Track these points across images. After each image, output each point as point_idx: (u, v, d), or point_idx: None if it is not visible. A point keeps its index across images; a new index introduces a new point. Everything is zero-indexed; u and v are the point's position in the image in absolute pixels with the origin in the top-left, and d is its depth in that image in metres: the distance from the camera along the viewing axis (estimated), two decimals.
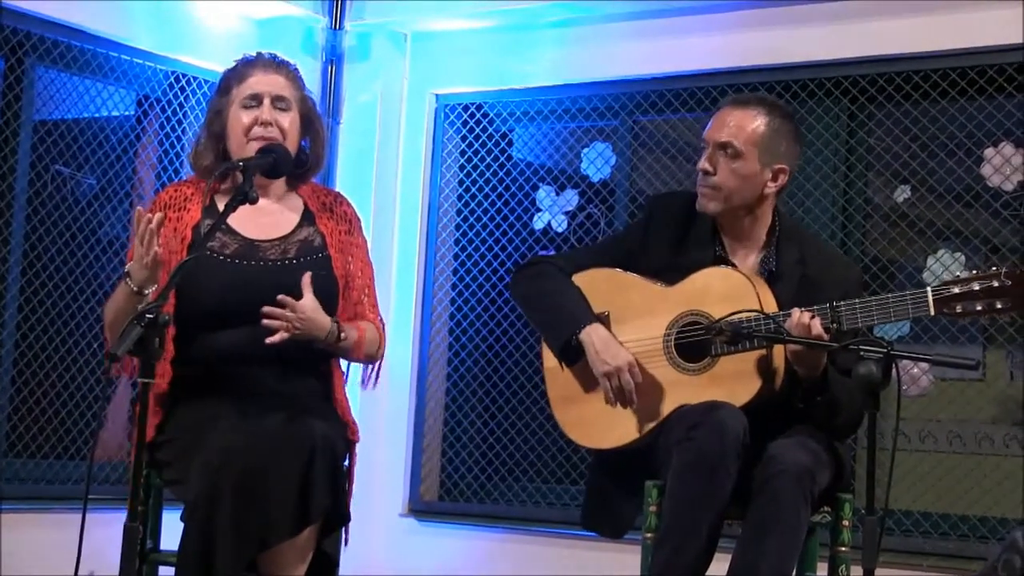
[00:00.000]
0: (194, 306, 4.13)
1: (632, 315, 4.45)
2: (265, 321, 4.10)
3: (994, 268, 4.01)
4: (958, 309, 4.02)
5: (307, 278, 4.17)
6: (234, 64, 4.43)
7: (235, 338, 4.18)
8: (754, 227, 4.49)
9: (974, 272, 4.02)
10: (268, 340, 4.09)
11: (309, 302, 4.15)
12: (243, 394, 4.15)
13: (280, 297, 4.11)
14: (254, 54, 4.44)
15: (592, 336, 4.43)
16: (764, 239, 4.50)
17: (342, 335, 4.22)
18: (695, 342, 4.35)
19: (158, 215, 4.04)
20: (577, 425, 4.56)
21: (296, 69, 4.47)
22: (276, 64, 4.42)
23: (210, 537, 3.83)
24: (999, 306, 4.00)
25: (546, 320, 4.59)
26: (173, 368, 4.18)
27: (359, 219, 4.54)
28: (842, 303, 4.16)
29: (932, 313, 4.05)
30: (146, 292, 4.03)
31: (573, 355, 4.49)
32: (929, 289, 4.06)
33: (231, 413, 4.09)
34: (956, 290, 4.03)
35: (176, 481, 4.10)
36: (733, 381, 4.27)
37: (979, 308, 4.01)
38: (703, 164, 4.42)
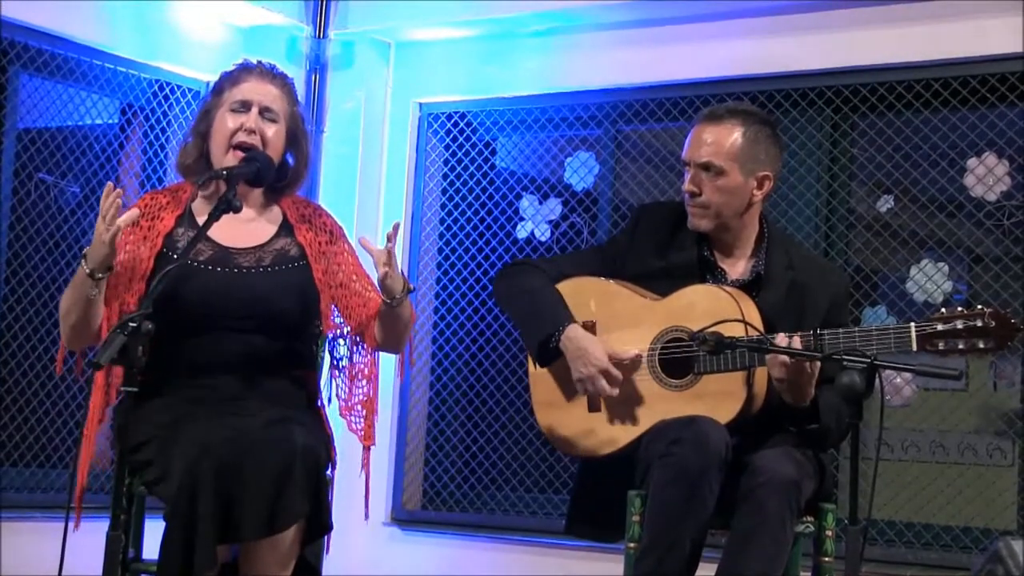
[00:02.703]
0: (166, 312, 4.09)
1: (618, 325, 4.45)
2: (374, 248, 4.15)
3: (979, 307, 4.04)
4: (940, 346, 4.05)
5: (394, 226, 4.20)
6: (232, 67, 4.43)
7: (206, 344, 4.17)
8: (742, 233, 4.50)
9: (959, 310, 4.04)
10: (379, 269, 4.14)
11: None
12: (222, 400, 4.15)
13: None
14: (255, 61, 4.44)
15: (568, 339, 4.43)
16: (752, 245, 4.52)
17: (412, 287, 4.25)
18: (679, 359, 4.35)
19: (132, 211, 4.05)
20: (557, 431, 4.55)
21: (292, 83, 4.46)
22: (272, 75, 4.41)
23: (191, 531, 3.82)
24: (981, 346, 4.03)
25: (524, 319, 4.59)
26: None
27: (341, 228, 4.53)
28: (826, 331, 4.17)
29: (915, 349, 4.07)
30: (99, 276, 4.02)
31: (549, 356, 4.49)
32: (913, 325, 4.08)
33: (210, 412, 4.09)
34: (940, 327, 4.05)
35: (158, 480, 4.07)
36: (715, 400, 4.27)
37: (961, 347, 4.04)
38: (688, 186, 4.43)
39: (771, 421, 4.30)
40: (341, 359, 4.54)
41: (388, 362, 6.69)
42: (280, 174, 4.39)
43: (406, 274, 6.83)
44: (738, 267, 4.50)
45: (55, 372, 6.05)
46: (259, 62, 4.44)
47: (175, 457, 3.94)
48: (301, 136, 4.46)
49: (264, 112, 4.33)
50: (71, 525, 4.15)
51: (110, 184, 3.99)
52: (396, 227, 4.15)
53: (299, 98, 4.49)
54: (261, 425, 3.98)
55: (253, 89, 4.35)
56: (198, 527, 3.81)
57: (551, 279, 4.58)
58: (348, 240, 4.52)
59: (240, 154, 4.27)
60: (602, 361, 4.38)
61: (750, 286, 4.45)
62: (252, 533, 3.85)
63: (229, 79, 4.39)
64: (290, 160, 4.43)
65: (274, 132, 4.34)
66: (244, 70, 4.40)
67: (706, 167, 4.40)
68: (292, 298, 4.28)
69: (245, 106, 4.32)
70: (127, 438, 3.77)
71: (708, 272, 4.48)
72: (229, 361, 4.17)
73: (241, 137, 4.29)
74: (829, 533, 4.31)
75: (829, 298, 4.44)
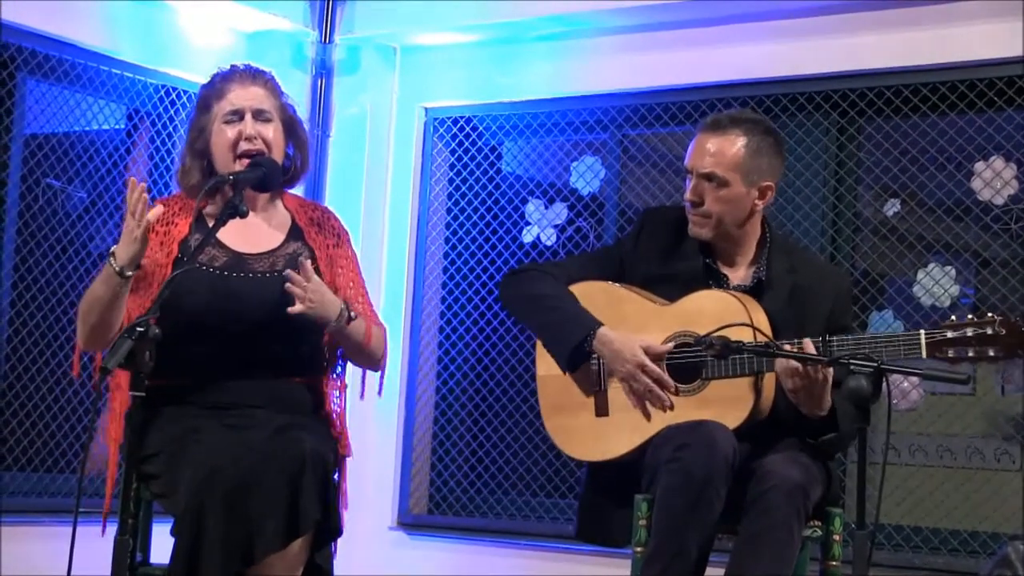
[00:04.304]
0: (182, 318, 4.10)
1: (627, 330, 4.43)
2: (288, 285, 4.14)
3: (989, 315, 4.03)
4: (950, 353, 4.03)
5: (306, 263, 4.20)
6: (210, 80, 4.43)
7: (220, 350, 4.18)
8: (744, 240, 4.51)
9: (969, 317, 4.03)
10: (290, 309, 4.14)
11: (317, 278, 4.20)
12: (231, 407, 4.16)
13: (292, 272, 4.16)
14: (228, 67, 4.44)
15: (602, 343, 4.38)
16: (755, 250, 4.52)
17: (352, 314, 4.25)
18: (687, 364, 4.35)
19: (158, 207, 4.05)
20: (565, 435, 4.55)
21: (273, 77, 4.47)
22: (252, 75, 4.42)
23: (198, 551, 3.83)
24: (991, 353, 4.01)
25: (549, 325, 4.53)
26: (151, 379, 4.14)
27: (348, 233, 4.55)
28: (834, 338, 4.16)
29: (924, 356, 4.06)
30: (127, 274, 4.03)
31: (580, 360, 4.47)
32: (922, 332, 4.07)
33: (217, 425, 4.10)
34: (949, 335, 4.04)
35: (164, 494, 4.10)
36: (722, 405, 4.26)
37: (971, 354, 4.02)
38: (689, 196, 4.43)
39: (779, 427, 4.29)
40: (336, 366, 4.54)
41: (392, 365, 6.72)
42: (285, 167, 4.40)
43: (412, 279, 6.87)
44: (739, 273, 4.51)
45: (70, 374, 6.09)
46: (233, 66, 4.44)
47: (183, 476, 3.96)
48: (296, 125, 4.48)
49: (257, 115, 4.34)
50: (98, 529, 4.19)
51: (133, 179, 4.00)
52: (303, 265, 4.18)
53: (282, 88, 4.49)
54: (268, 435, 3.98)
55: (240, 96, 4.35)
56: (204, 552, 3.82)
57: (563, 283, 4.58)
58: (352, 246, 4.54)
59: (247, 162, 4.28)
60: (637, 355, 4.35)
61: (751, 292, 4.44)
62: (267, 549, 3.86)
63: (213, 93, 4.38)
64: (291, 151, 4.45)
65: (272, 131, 4.35)
66: (224, 79, 4.40)
67: (708, 177, 4.40)
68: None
69: (237, 115, 4.33)
70: (137, 444, 3.77)
71: (711, 278, 4.48)
72: (243, 366, 4.19)
73: (245, 146, 4.30)
74: (836, 537, 4.30)
75: (831, 301, 4.45)
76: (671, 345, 4.38)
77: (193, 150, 4.38)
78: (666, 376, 4.34)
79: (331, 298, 4.22)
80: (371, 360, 4.45)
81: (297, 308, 4.15)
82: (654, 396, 4.34)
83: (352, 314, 4.27)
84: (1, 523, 5.75)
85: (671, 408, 4.33)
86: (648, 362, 4.34)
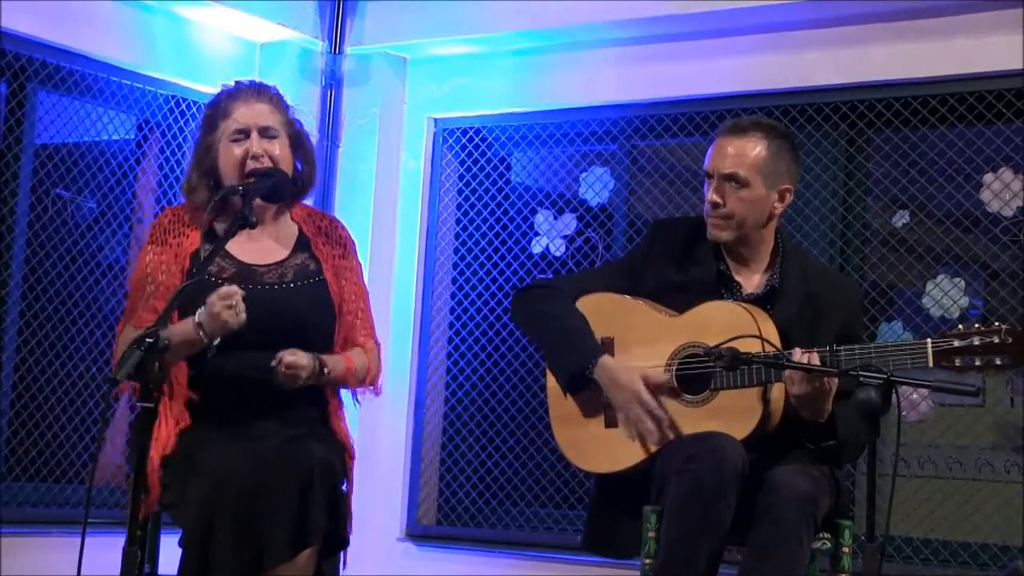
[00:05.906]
0: None
1: (636, 341, 4.44)
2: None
3: (996, 324, 4.02)
4: (957, 363, 4.02)
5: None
6: (215, 98, 4.42)
7: (233, 361, 4.18)
8: (759, 247, 4.51)
9: (976, 326, 4.01)
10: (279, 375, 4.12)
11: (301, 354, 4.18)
12: (239, 417, 4.16)
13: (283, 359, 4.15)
14: (233, 83, 4.44)
15: (602, 371, 4.41)
16: (768, 259, 4.52)
17: (325, 370, 4.22)
18: (696, 374, 4.35)
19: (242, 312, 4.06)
20: (575, 447, 4.55)
21: (278, 92, 4.47)
22: (257, 91, 4.41)
23: (207, 562, 3.83)
24: (998, 363, 4.00)
25: (553, 346, 4.58)
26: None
27: (354, 243, 4.55)
28: (842, 348, 4.16)
29: (931, 365, 4.05)
30: (213, 345, 4.07)
31: (581, 385, 4.48)
32: (929, 341, 4.06)
33: (226, 436, 4.10)
34: (956, 344, 4.02)
35: (173, 505, 4.10)
36: (731, 416, 4.26)
37: (978, 363, 4.01)
38: (712, 197, 4.43)
39: (788, 437, 4.29)
40: None
41: (400, 376, 6.73)
42: (292, 181, 4.41)
43: (421, 290, 6.88)
44: (753, 280, 4.51)
45: (79, 385, 6.09)
46: (238, 82, 4.44)
47: (191, 486, 3.96)
48: (303, 139, 4.48)
49: (263, 132, 4.34)
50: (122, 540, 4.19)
51: (234, 288, 4.03)
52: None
53: (288, 102, 4.49)
54: (277, 446, 3.98)
55: (245, 114, 4.35)
56: (212, 562, 3.82)
57: (572, 300, 4.58)
58: (357, 256, 4.54)
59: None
60: (634, 385, 4.36)
61: (764, 299, 4.45)
62: (275, 560, 3.86)
63: (220, 112, 4.38)
64: (299, 165, 4.45)
65: (279, 148, 4.35)
66: (230, 97, 4.39)
67: (730, 178, 4.41)
68: (316, 313, 4.30)
69: (243, 133, 4.33)
70: (145, 455, 3.77)
71: (724, 286, 4.48)
72: (250, 377, 4.18)
73: (252, 165, 4.30)
74: (846, 550, 4.30)
75: (844, 309, 4.46)
76: (668, 376, 4.38)
77: (201, 169, 4.38)
78: (660, 410, 4.34)
79: (302, 361, 4.18)
80: (359, 386, 4.45)
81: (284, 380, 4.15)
82: (644, 428, 4.35)
83: (326, 370, 4.23)
84: (10, 534, 5.75)
85: (657, 444, 4.33)
86: (644, 393, 4.35)
